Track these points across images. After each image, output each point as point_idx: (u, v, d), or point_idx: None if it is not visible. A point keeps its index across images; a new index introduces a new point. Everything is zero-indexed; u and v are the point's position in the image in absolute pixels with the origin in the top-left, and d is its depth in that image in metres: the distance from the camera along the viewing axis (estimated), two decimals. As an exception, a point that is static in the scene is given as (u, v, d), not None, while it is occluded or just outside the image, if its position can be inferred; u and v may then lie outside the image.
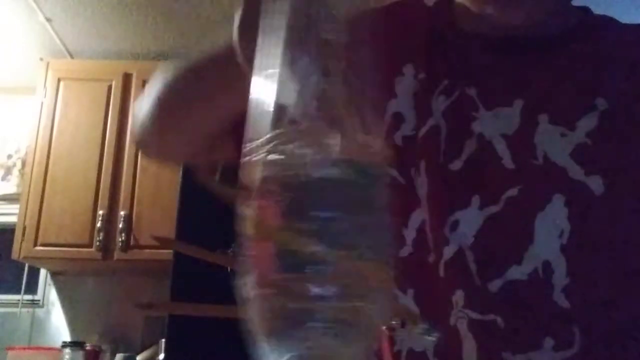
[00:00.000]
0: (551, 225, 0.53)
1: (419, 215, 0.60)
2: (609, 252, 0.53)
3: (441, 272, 0.56)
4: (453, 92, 0.61)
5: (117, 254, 2.58)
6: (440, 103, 0.61)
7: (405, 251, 0.60)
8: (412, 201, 0.60)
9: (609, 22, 0.64)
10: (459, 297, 0.55)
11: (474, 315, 0.54)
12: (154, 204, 2.61)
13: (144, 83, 2.61)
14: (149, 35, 2.79)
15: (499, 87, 0.60)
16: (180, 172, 2.10)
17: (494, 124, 0.58)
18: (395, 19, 0.69)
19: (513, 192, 0.56)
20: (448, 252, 0.56)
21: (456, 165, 0.59)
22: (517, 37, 0.62)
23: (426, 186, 0.59)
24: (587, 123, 0.56)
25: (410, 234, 0.60)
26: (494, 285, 0.54)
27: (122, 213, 2.62)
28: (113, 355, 2.65)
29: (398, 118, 0.63)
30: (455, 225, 0.57)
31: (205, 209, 1.32)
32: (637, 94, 0.57)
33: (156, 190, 2.62)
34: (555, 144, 0.56)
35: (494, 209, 0.56)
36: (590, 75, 0.58)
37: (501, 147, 0.57)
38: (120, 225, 2.60)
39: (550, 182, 0.55)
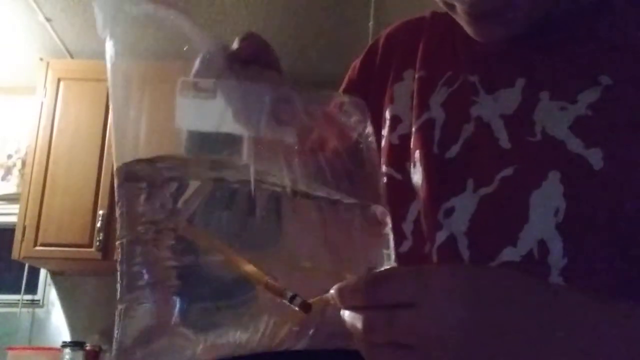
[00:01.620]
0: (546, 203, 0.51)
1: (415, 208, 0.60)
2: (607, 230, 0.50)
3: (434, 259, 0.56)
4: (455, 81, 0.62)
5: (117, 254, 2.57)
6: (442, 94, 0.62)
7: (406, 246, 0.60)
8: (409, 194, 0.60)
9: (624, 2, 0.60)
10: None
11: None
12: (154, 204, 2.61)
13: (144, 83, 2.60)
14: (149, 35, 2.79)
15: (502, 71, 0.59)
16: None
17: (494, 106, 0.57)
18: (397, 37, 0.72)
19: (508, 171, 0.54)
20: (440, 237, 0.56)
21: (452, 152, 0.58)
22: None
23: (421, 177, 0.60)
24: (589, 96, 0.53)
25: (408, 227, 0.60)
26: None
27: (122, 213, 2.61)
28: (113, 355, 2.65)
29: (395, 120, 0.65)
30: (450, 211, 0.56)
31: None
32: None
33: (156, 190, 2.62)
34: (554, 118, 0.54)
35: (487, 190, 0.55)
36: (597, 54, 0.56)
37: (499, 128, 0.56)
38: (120, 225, 2.60)
39: (546, 159, 0.53)
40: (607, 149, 0.51)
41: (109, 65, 0.46)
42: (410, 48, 0.69)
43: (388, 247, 0.52)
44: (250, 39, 0.54)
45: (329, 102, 0.55)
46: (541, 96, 0.55)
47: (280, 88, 0.50)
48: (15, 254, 2.60)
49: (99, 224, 2.60)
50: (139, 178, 0.43)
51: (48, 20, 2.66)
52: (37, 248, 2.61)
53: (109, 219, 2.61)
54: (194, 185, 0.43)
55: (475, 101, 0.59)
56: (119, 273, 0.42)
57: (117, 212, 0.43)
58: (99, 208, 2.63)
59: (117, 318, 0.41)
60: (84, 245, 2.60)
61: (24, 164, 2.92)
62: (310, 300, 0.41)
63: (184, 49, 0.49)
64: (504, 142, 0.56)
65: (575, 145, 0.52)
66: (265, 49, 0.55)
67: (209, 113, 0.49)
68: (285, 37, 2.79)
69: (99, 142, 2.72)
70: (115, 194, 0.44)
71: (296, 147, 0.49)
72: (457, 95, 0.61)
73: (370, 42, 0.76)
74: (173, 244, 0.42)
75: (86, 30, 2.74)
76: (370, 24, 2.55)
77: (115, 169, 0.44)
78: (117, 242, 0.43)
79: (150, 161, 0.44)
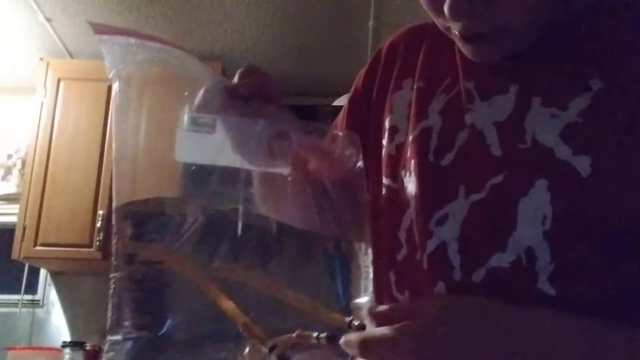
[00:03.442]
0: (533, 211, 0.52)
1: (408, 216, 0.60)
2: (594, 237, 0.50)
3: (425, 266, 0.57)
4: (453, 88, 0.62)
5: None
6: (440, 101, 0.62)
7: (402, 254, 0.60)
8: (404, 203, 0.61)
9: (622, 5, 0.59)
10: (440, 289, 0.55)
11: None
12: (154, 204, 2.61)
13: (144, 83, 2.62)
14: (149, 35, 2.80)
15: (496, 77, 0.59)
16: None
17: (487, 113, 0.58)
18: (399, 45, 0.73)
19: (498, 179, 0.55)
20: (431, 245, 0.57)
21: (447, 159, 0.59)
22: None
23: (415, 185, 0.60)
24: (580, 103, 0.53)
25: (403, 236, 0.61)
26: (478, 275, 0.53)
27: (122, 213, 2.62)
28: (113, 355, 2.65)
29: (393, 130, 0.66)
30: (443, 219, 0.57)
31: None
32: (635, 76, 0.54)
33: (156, 190, 2.63)
34: (545, 125, 0.54)
35: (478, 196, 0.55)
36: (590, 58, 0.56)
37: (491, 135, 0.57)
38: (120, 225, 2.60)
39: (535, 166, 0.53)
40: (595, 156, 0.51)
41: (114, 103, 0.50)
42: (411, 56, 0.69)
43: (366, 279, 0.55)
44: (250, 74, 0.56)
45: (324, 136, 0.57)
46: (533, 102, 0.56)
47: (276, 123, 0.53)
48: (15, 254, 2.60)
49: (99, 224, 2.60)
50: (131, 218, 0.47)
51: (48, 20, 2.66)
52: (37, 248, 2.61)
53: (109, 219, 2.61)
54: (183, 223, 0.46)
55: (470, 109, 0.59)
56: (109, 305, 0.45)
57: (113, 247, 0.47)
58: (99, 208, 2.64)
59: (106, 348, 0.45)
60: (84, 245, 2.60)
61: (24, 164, 2.93)
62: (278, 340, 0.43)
63: (185, 94, 0.52)
64: (495, 149, 0.56)
65: (563, 152, 0.52)
66: (265, 82, 0.58)
67: (208, 147, 0.52)
68: (285, 37, 2.79)
69: (99, 142, 2.72)
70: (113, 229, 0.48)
71: (289, 179, 0.52)
72: (454, 102, 0.61)
73: (370, 42, 0.77)
74: (157, 283, 0.45)
75: (86, 30, 2.74)
76: (370, 23, 2.55)
77: (114, 207, 0.48)
78: (111, 275, 0.47)
79: (144, 203, 0.48)
